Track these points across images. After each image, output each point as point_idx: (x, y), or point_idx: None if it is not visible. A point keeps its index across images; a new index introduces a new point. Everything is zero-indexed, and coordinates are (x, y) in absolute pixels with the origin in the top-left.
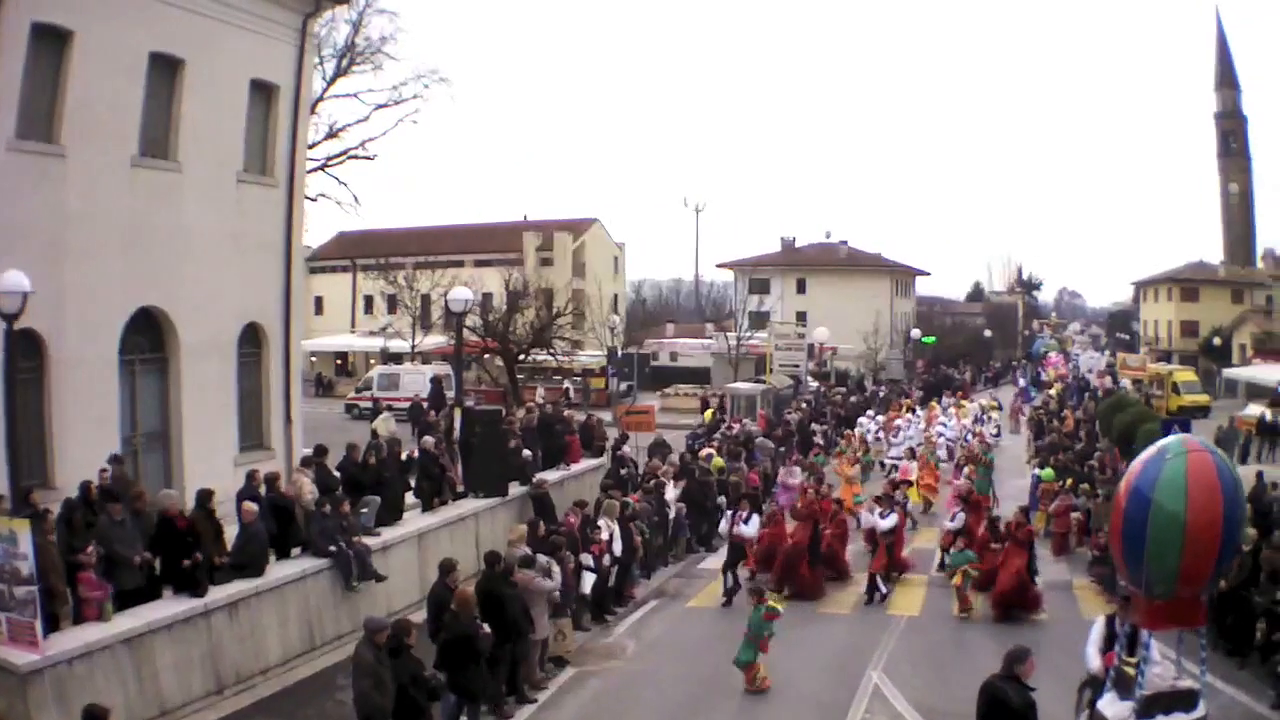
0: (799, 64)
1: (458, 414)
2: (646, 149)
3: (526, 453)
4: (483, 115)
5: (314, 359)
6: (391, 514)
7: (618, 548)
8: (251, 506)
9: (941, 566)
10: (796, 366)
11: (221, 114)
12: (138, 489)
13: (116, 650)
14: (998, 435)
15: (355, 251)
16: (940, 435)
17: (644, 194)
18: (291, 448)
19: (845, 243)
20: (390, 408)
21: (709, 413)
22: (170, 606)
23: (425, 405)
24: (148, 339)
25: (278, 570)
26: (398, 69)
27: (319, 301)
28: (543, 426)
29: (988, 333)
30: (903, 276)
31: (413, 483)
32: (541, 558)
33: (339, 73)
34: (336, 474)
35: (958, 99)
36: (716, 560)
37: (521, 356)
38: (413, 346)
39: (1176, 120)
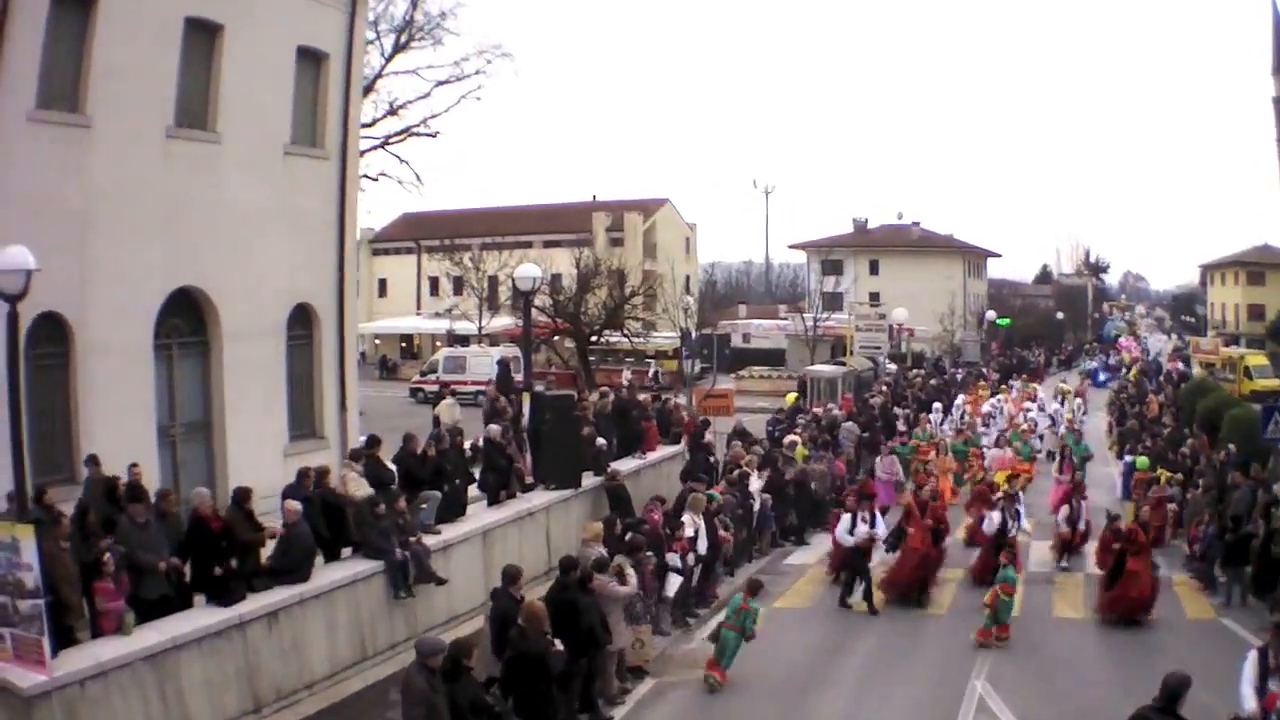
0: (869, 43)
1: (526, 399)
2: (714, 129)
3: (601, 441)
4: (549, 92)
5: (378, 341)
6: (453, 510)
7: (702, 545)
8: (295, 505)
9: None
10: (877, 348)
11: (266, 83)
12: (166, 489)
13: (137, 668)
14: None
15: (420, 232)
16: (1033, 422)
17: (712, 175)
18: (346, 437)
19: (918, 224)
20: (455, 392)
21: (791, 396)
22: (200, 618)
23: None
24: (187, 322)
25: (325, 575)
26: (459, 44)
27: (383, 283)
28: (618, 412)
29: (1059, 315)
30: (974, 258)
31: (477, 475)
32: (617, 559)
33: (398, 48)
34: (392, 467)
35: (1024, 80)
36: (803, 555)
37: (594, 338)
38: (480, 328)
39: (1240, 101)
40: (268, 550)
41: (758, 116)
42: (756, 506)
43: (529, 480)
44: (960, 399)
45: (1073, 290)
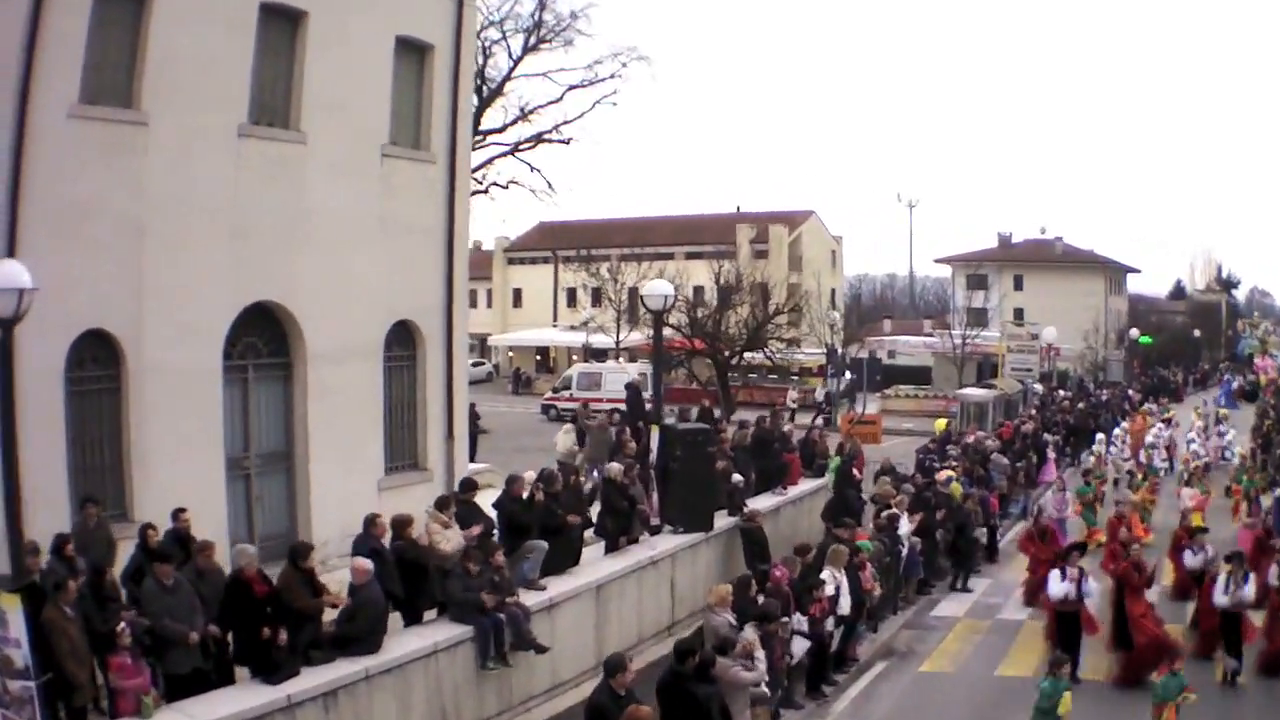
0: (1012, 58)
1: (655, 432)
2: (858, 142)
3: (737, 477)
4: (688, 99)
5: (512, 354)
6: (565, 559)
7: (845, 604)
8: (364, 564)
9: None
10: (1028, 370)
11: (359, 77)
12: (204, 542)
13: None
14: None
15: (557, 242)
16: (1195, 453)
17: (855, 188)
18: (453, 468)
19: (1060, 239)
20: (587, 407)
21: (941, 423)
22: (240, 698)
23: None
24: (265, 341)
25: (400, 644)
26: (592, 46)
27: (517, 294)
28: (758, 444)
29: (1196, 332)
30: (1115, 274)
31: (595, 518)
32: (747, 634)
33: (527, 49)
34: (491, 513)
35: (1160, 93)
36: (951, 605)
37: (733, 358)
38: (617, 342)
39: None
40: (335, 613)
41: (902, 129)
42: (905, 551)
43: (654, 522)
44: (1122, 425)
45: (1207, 306)
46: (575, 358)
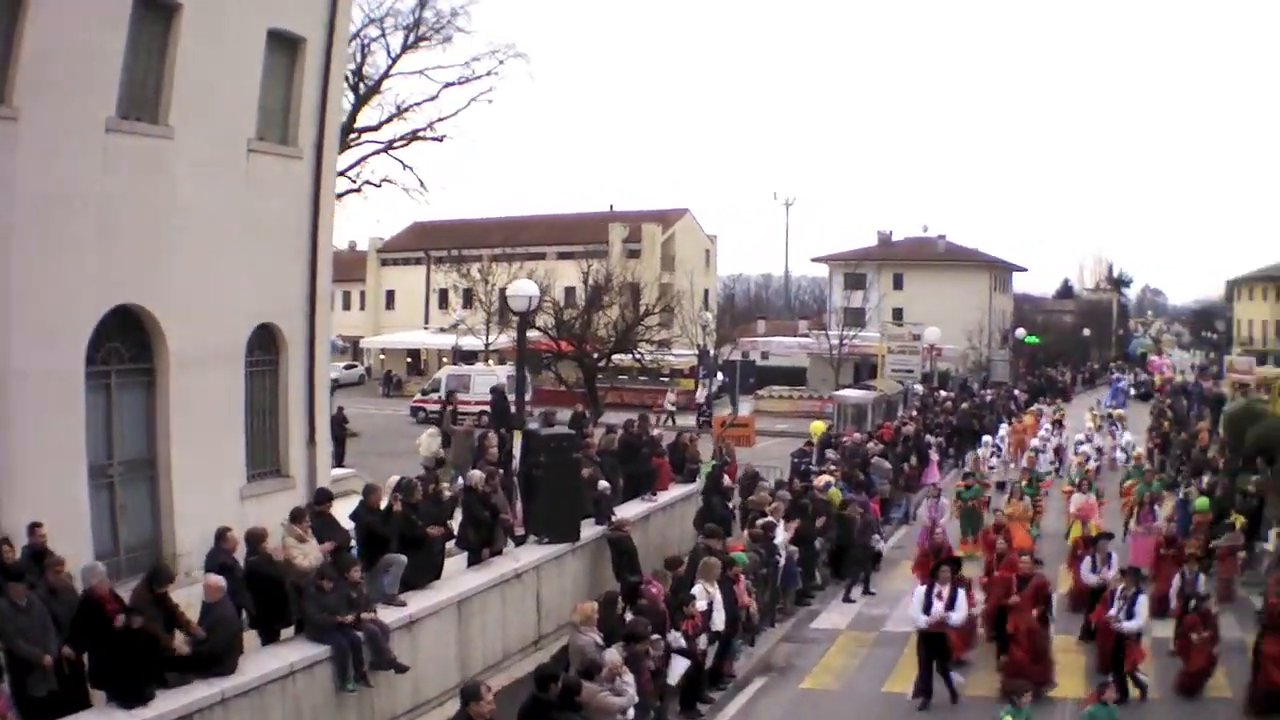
0: (892, 54)
1: (518, 438)
2: (734, 140)
3: (604, 484)
4: (565, 99)
5: (383, 356)
6: (425, 573)
7: (719, 619)
8: (216, 581)
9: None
10: (909, 371)
11: (229, 70)
12: (55, 558)
13: None
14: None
15: (430, 242)
16: (1085, 454)
17: (731, 187)
18: (315, 475)
19: (943, 236)
20: (456, 411)
21: (818, 425)
22: None
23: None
24: (128, 346)
25: (256, 665)
26: (470, 44)
27: (390, 295)
28: (625, 449)
29: (1086, 331)
30: (1000, 272)
31: (456, 529)
32: (612, 654)
33: (405, 47)
34: (348, 526)
35: (1043, 91)
36: (831, 618)
37: (601, 361)
38: (486, 344)
39: (1268, 114)
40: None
41: (779, 127)
42: (782, 562)
43: (519, 532)
44: (1003, 429)
45: (1097, 306)
46: (446, 360)
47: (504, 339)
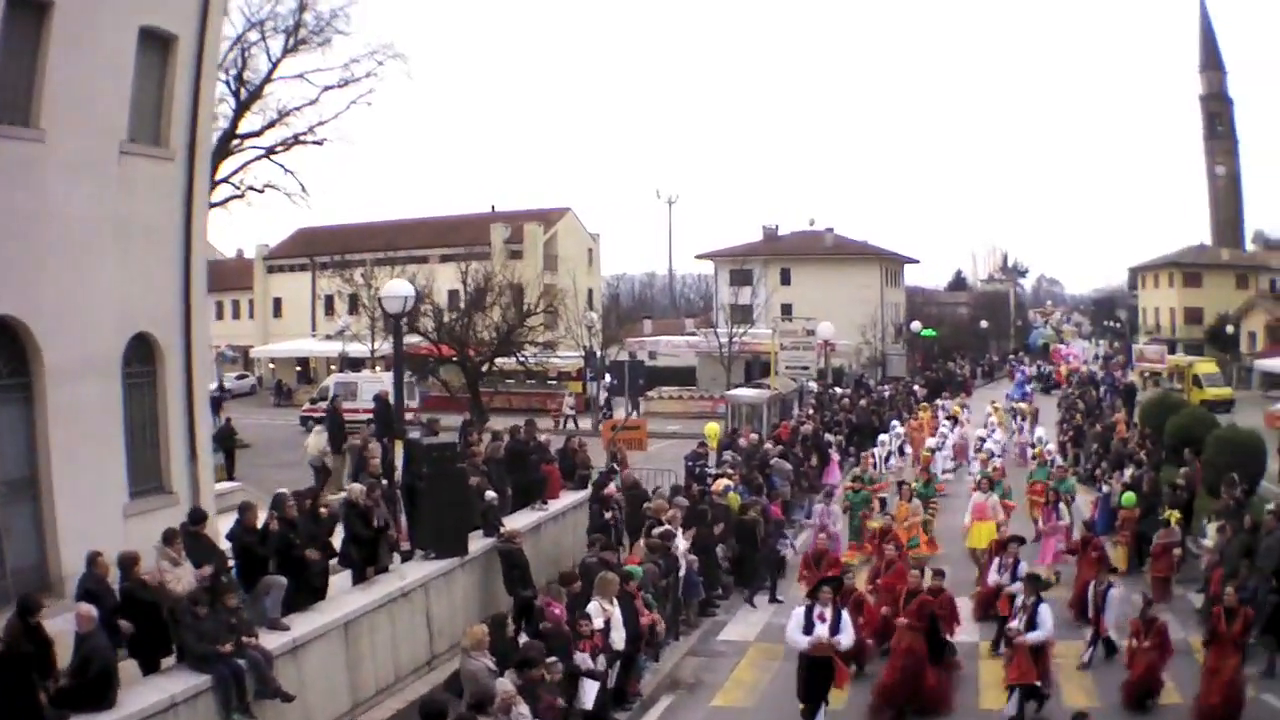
0: (771, 46)
1: (399, 448)
2: (615, 139)
3: (491, 494)
4: (446, 101)
5: (273, 365)
6: (307, 595)
7: (618, 638)
8: (87, 610)
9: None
10: (804, 368)
11: (102, 70)
12: None
13: None
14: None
15: (314, 249)
16: (989, 451)
17: (613, 186)
18: (199, 490)
19: (831, 230)
20: (343, 421)
21: (713, 426)
22: None
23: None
24: (4, 360)
25: (135, 698)
26: (349, 46)
27: (277, 303)
28: (513, 457)
29: (983, 324)
30: (891, 265)
31: (339, 546)
32: (504, 683)
33: (286, 51)
34: (225, 546)
35: (932, 81)
36: (738, 629)
37: (484, 365)
38: (372, 351)
39: (1160, 104)
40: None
41: (659, 125)
42: (683, 572)
43: (405, 547)
44: (897, 426)
45: (993, 297)
46: (334, 368)
47: (389, 345)
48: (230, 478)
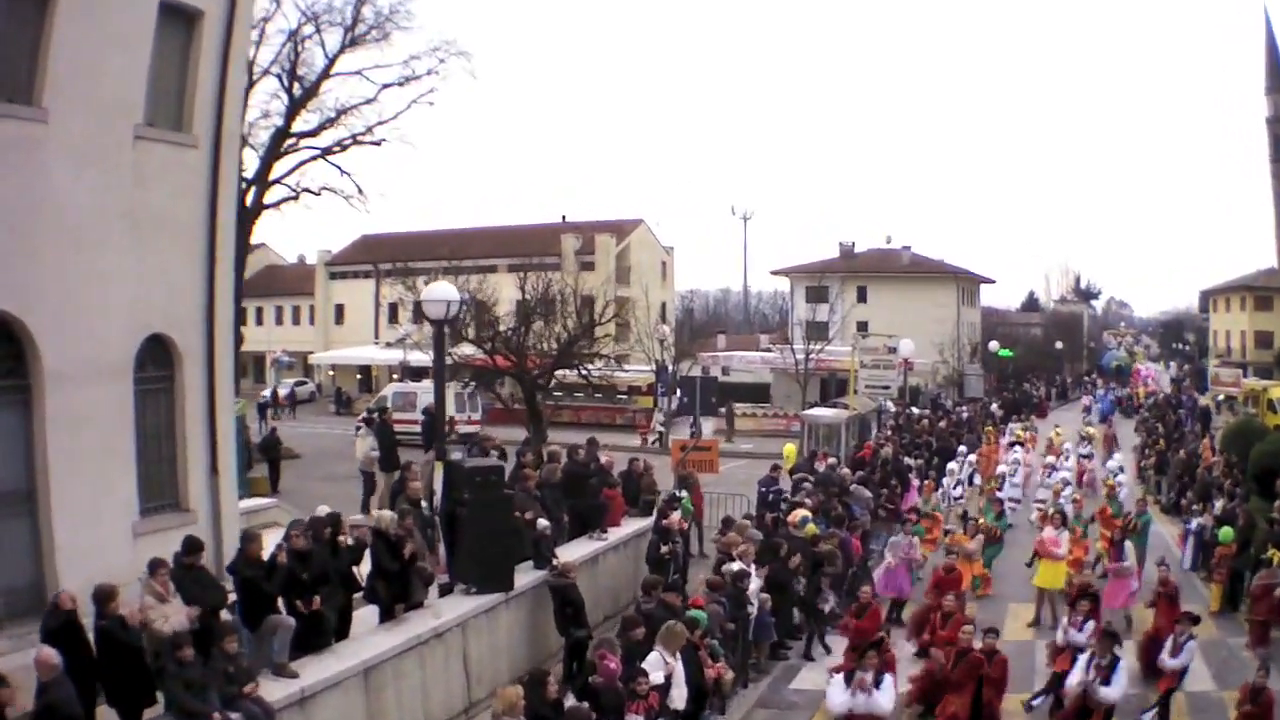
0: (848, 64)
1: (438, 471)
2: (689, 152)
3: (543, 522)
4: (512, 105)
5: (332, 373)
6: (320, 635)
7: (679, 696)
8: (50, 657)
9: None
10: (885, 388)
11: (114, 45)
12: None
13: None
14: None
15: (378, 255)
16: (1062, 480)
17: (687, 201)
18: (220, 508)
19: (908, 248)
20: (392, 430)
21: (790, 448)
22: None
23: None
24: None
25: None
26: (410, 42)
27: (339, 310)
28: (571, 481)
29: (1059, 344)
30: (967, 284)
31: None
32: None
33: (343, 47)
34: (226, 581)
35: (1005, 102)
36: (814, 675)
37: (541, 379)
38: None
39: (1228, 127)
40: None
41: (735, 139)
42: (754, 612)
43: (442, 579)
44: (965, 452)
45: (1067, 318)
46: (395, 376)
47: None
48: (274, 491)
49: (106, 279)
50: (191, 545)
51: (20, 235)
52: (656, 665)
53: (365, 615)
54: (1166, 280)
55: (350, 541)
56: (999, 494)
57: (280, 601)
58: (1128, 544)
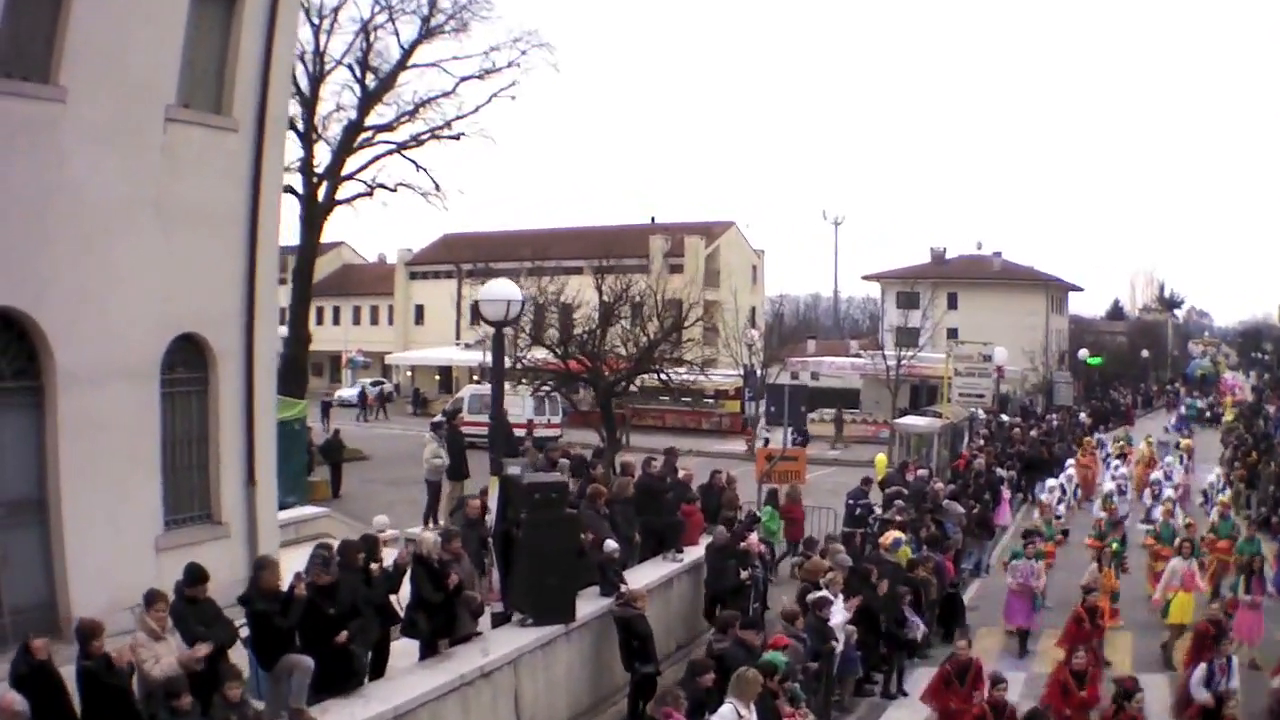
0: (942, 71)
1: (494, 486)
2: (782, 156)
3: (611, 544)
4: (597, 102)
5: (410, 373)
6: (351, 675)
7: None
8: (13, 703)
9: None
10: (980, 396)
11: (141, 20)
12: None
13: None
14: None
15: (459, 254)
16: (1167, 496)
17: (779, 205)
18: (256, 521)
19: (999, 254)
20: (460, 434)
21: (881, 459)
22: None
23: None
24: (9, 360)
25: None
26: (489, 33)
27: (420, 310)
28: (644, 495)
29: (1144, 353)
30: (1056, 292)
31: (402, 610)
32: None
33: (420, 37)
34: (238, 612)
35: (1086, 113)
36: (902, 713)
37: (619, 385)
38: (516, 362)
39: None
40: None
41: (828, 142)
42: (840, 647)
43: (497, 608)
44: (1069, 465)
45: (1152, 326)
46: (475, 378)
47: (536, 355)
48: (335, 495)
49: (129, 273)
50: (195, 575)
51: (33, 224)
52: (729, 717)
53: (407, 649)
54: (1243, 288)
55: (389, 567)
56: (1120, 515)
57: (299, 638)
58: (1269, 570)
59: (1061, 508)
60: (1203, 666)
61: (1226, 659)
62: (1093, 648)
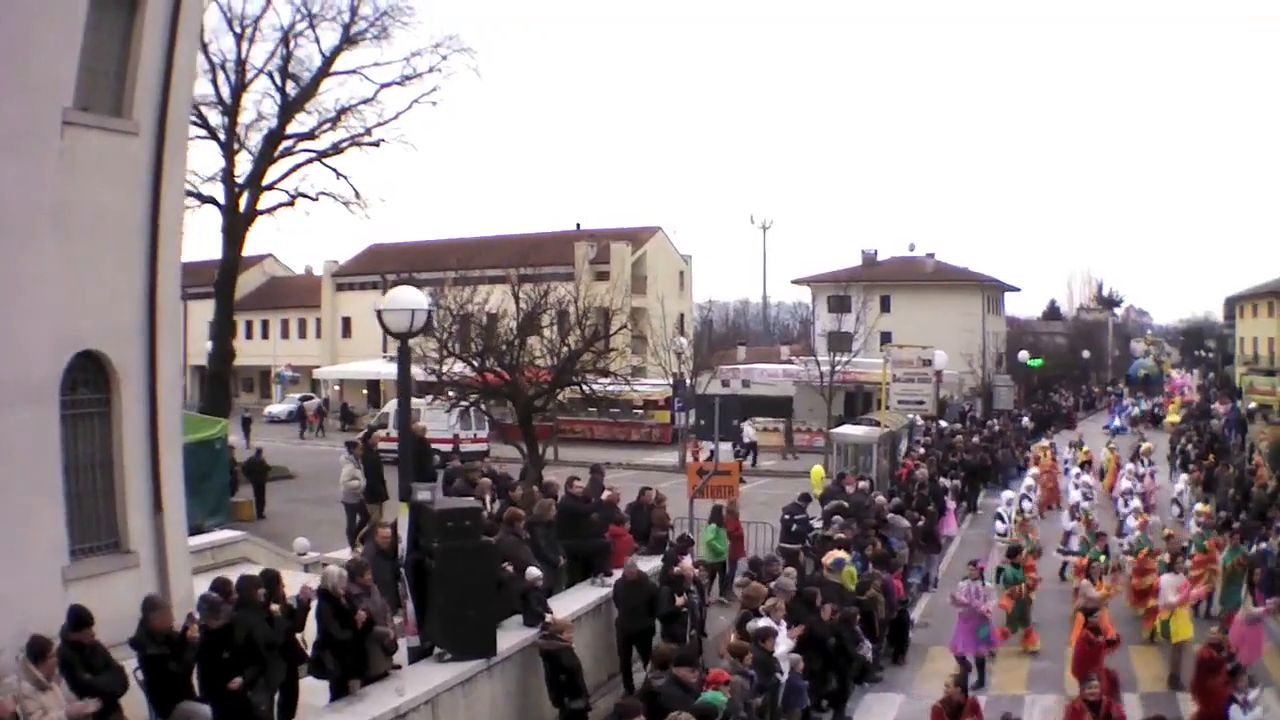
0: (868, 71)
1: (403, 513)
2: (708, 161)
3: (534, 571)
4: (521, 110)
5: (337, 388)
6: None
7: None
8: None
9: None
10: (920, 403)
11: (38, 17)
12: None
13: None
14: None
15: (386, 265)
16: (1129, 500)
17: (704, 210)
18: (165, 549)
19: (932, 255)
20: (376, 453)
21: (818, 471)
22: None
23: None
24: None
25: None
26: (410, 39)
27: (346, 323)
28: (567, 518)
29: (1085, 354)
30: (992, 293)
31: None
32: None
33: (341, 45)
34: (131, 659)
35: (1021, 107)
36: None
37: (538, 400)
38: (439, 375)
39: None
40: None
41: (754, 146)
42: (785, 678)
43: (414, 642)
44: (1030, 472)
45: (1092, 327)
46: None
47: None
48: (259, 515)
49: (27, 285)
50: (79, 618)
51: None
52: None
53: (319, 687)
54: (1184, 287)
55: (293, 602)
56: (1098, 527)
57: (199, 681)
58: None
59: (1024, 517)
60: (1235, 709)
61: (1248, 685)
62: (1108, 671)
